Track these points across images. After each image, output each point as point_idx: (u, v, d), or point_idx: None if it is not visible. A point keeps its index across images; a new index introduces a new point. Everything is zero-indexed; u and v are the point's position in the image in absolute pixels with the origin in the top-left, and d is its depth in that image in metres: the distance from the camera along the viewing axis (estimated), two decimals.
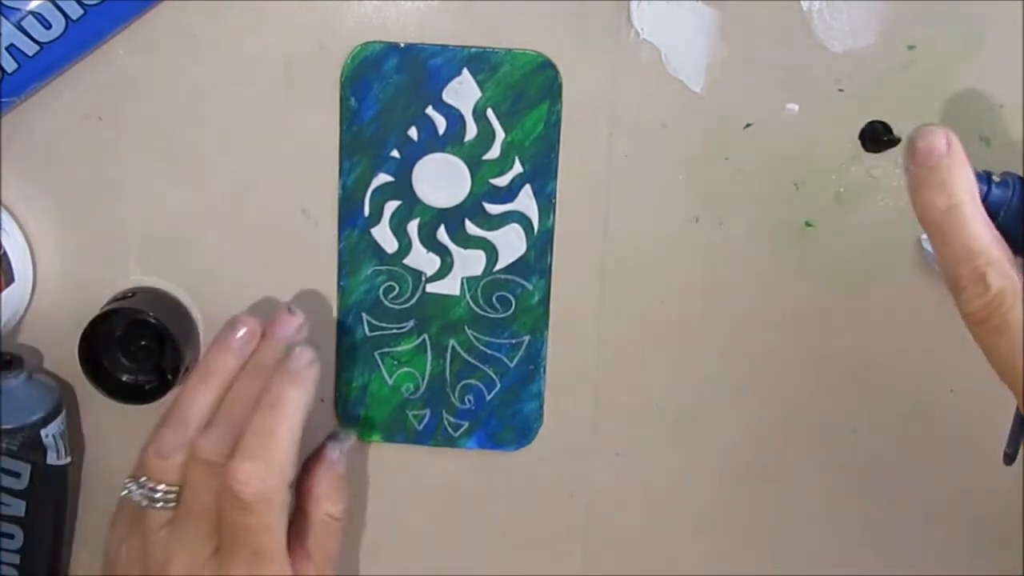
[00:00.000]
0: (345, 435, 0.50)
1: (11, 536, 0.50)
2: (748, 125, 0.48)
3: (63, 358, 0.51)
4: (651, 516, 0.54)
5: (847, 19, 0.46)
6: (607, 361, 0.51)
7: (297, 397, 0.44)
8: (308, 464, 0.49)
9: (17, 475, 0.49)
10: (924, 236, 0.48)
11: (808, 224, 0.49)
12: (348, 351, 0.51)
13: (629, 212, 0.49)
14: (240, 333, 0.47)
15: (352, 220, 0.49)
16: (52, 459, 0.50)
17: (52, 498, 0.51)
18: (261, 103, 0.48)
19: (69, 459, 0.51)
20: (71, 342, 0.48)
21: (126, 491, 0.46)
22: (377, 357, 0.51)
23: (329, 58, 0.47)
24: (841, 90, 0.47)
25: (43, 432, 0.49)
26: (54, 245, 0.50)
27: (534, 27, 0.47)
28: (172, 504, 0.45)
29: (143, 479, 0.45)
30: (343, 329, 0.51)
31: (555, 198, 0.49)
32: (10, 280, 0.49)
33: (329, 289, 0.50)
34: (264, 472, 0.43)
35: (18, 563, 0.51)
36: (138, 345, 0.50)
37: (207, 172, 0.49)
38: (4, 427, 0.48)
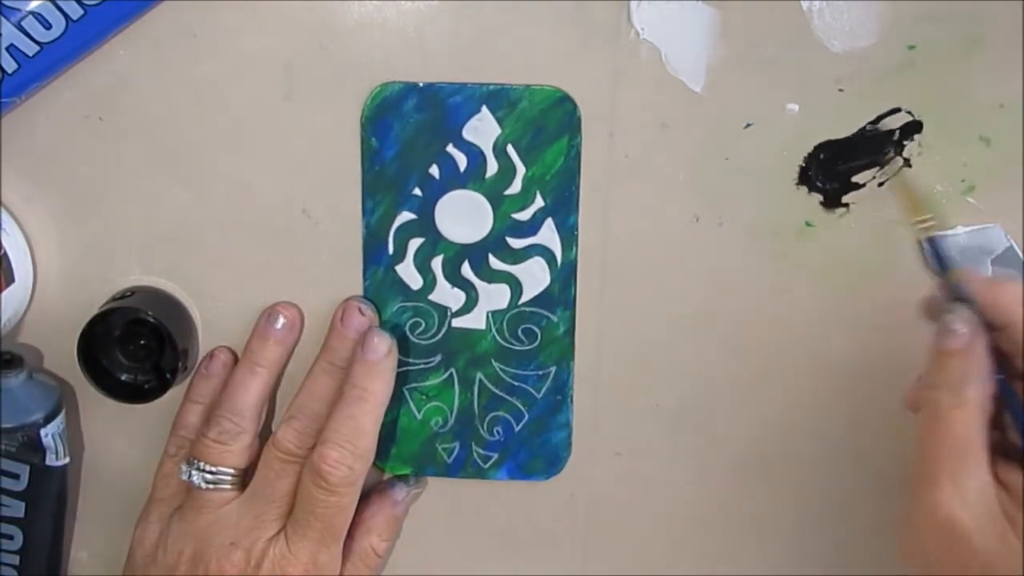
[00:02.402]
0: (416, 482, 0.53)
1: (11, 537, 0.50)
2: (748, 125, 0.48)
3: (63, 358, 0.51)
4: (651, 516, 0.54)
5: (847, 19, 0.46)
6: (607, 361, 0.51)
7: (379, 389, 0.47)
8: (370, 496, 0.52)
9: (16, 476, 0.49)
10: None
11: (808, 224, 0.49)
12: None
13: (629, 212, 0.49)
14: (280, 323, 0.50)
15: (376, 258, 0.50)
16: (51, 460, 0.50)
17: (51, 499, 0.51)
18: (261, 103, 0.48)
19: (68, 459, 0.51)
20: (71, 342, 0.48)
21: (183, 475, 0.49)
22: (405, 392, 0.52)
23: (329, 58, 0.47)
24: (841, 90, 0.47)
25: (43, 432, 0.49)
26: (54, 245, 0.50)
27: (534, 27, 0.47)
28: (228, 486, 0.49)
29: (201, 463, 0.48)
30: None
31: (577, 230, 0.49)
32: (10, 280, 0.49)
33: (328, 289, 0.50)
34: (352, 459, 0.46)
35: (17, 564, 0.51)
36: (137, 344, 0.50)
37: (207, 172, 0.49)
38: (4, 426, 0.48)
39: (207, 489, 0.48)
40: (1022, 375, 0.42)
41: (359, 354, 0.48)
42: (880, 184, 0.48)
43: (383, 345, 0.48)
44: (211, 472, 0.48)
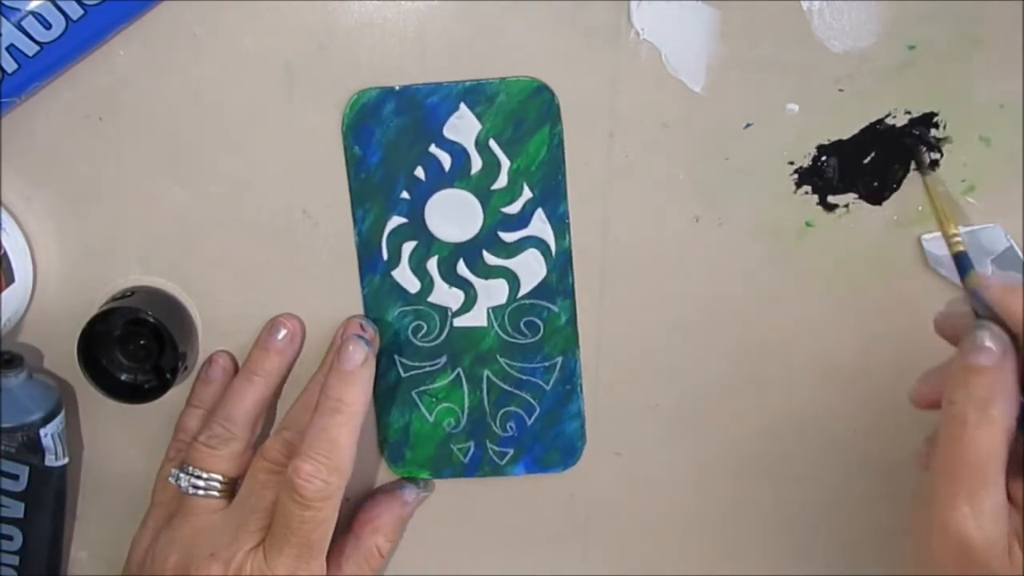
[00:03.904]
0: (426, 484, 0.53)
1: (10, 538, 0.50)
2: (748, 125, 0.48)
3: (63, 358, 0.51)
4: (651, 516, 0.54)
5: (847, 19, 0.46)
6: (607, 361, 0.51)
7: (355, 399, 0.46)
8: (378, 495, 0.52)
9: (16, 477, 0.49)
10: (925, 236, 0.48)
11: (808, 224, 0.49)
12: (386, 394, 0.52)
13: (629, 212, 0.49)
14: (281, 335, 0.50)
15: (372, 265, 0.50)
16: (50, 460, 0.50)
17: (51, 499, 0.51)
18: (261, 103, 0.48)
19: (67, 460, 0.51)
20: (71, 342, 0.48)
21: (172, 478, 0.49)
22: (415, 396, 0.52)
23: (329, 58, 0.47)
24: (841, 90, 0.47)
25: (42, 432, 0.49)
26: (54, 245, 0.50)
27: (534, 27, 0.47)
28: (217, 493, 0.48)
29: (190, 467, 0.48)
30: (378, 373, 0.51)
31: (568, 218, 0.49)
32: (10, 280, 0.49)
33: (328, 290, 0.50)
34: (326, 473, 0.45)
35: (17, 564, 0.51)
36: (137, 344, 0.50)
37: (207, 172, 0.49)
38: (4, 426, 0.48)
39: (194, 495, 0.48)
40: None
41: (334, 363, 0.47)
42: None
43: (358, 354, 0.47)
44: (199, 477, 0.48)
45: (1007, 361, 0.40)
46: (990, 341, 0.40)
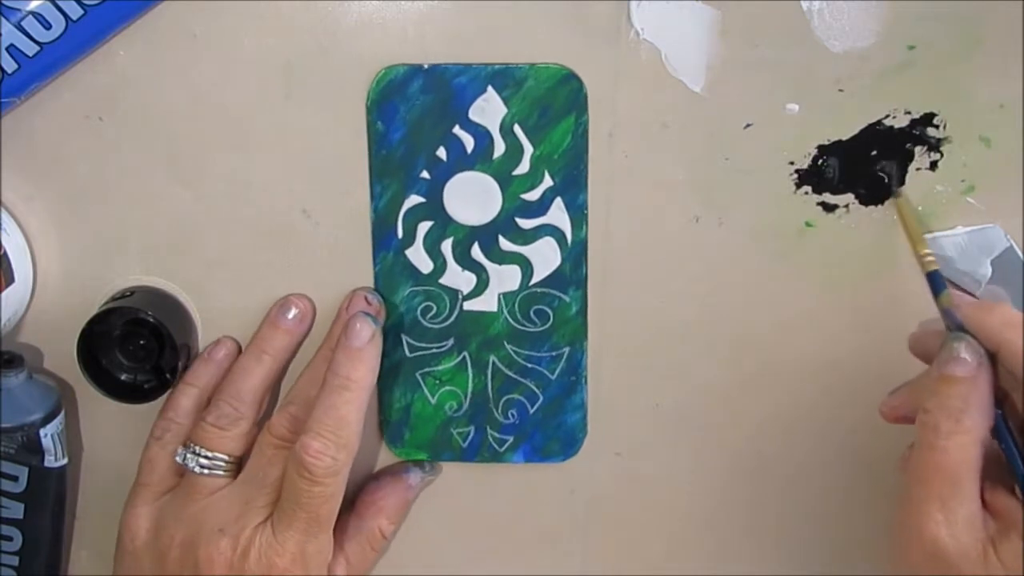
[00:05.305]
0: (431, 468, 0.53)
1: (10, 538, 0.50)
2: (748, 125, 0.48)
3: (63, 358, 0.51)
4: (651, 516, 0.54)
5: (847, 19, 0.46)
6: (607, 361, 0.51)
7: (362, 376, 0.46)
8: (382, 477, 0.52)
9: (15, 478, 0.49)
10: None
11: (808, 224, 0.49)
12: (389, 372, 0.51)
13: (629, 212, 0.49)
14: (291, 314, 0.50)
15: (386, 243, 0.50)
16: (50, 461, 0.50)
17: (50, 500, 0.51)
18: (261, 103, 0.48)
19: (66, 460, 0.51)
20: (71, 342, 0.48)
21: (179, 458, 0.49)
22: (419, 377, 0.51)
23: (328, 58, 0.47)
24: (841, 90, 0.47)
25: (42, 432, 0.49)
26: (54, 245, 0.50)
27: (534, 26, 0.47)
28: (222, 472, 0.49)
29: (197, 447, 0.48)
30: (383, 351, 0.50)
31: (587, 209, 0.49)
32: (10, 280, 0.49)
33: (329, 289, 0.50)
34: (334, 450, 0.45)
35: (17, 565, 0.51)
36: (137, 344, 0.50)
37: (207, 172, 0.49)
38: (4, 426, 0.48)
39: (201, 474, 0.48)
40: (1018, 408, 0.42)
41: (342, 340, 0.47)
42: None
43: (366, 331, 0.47)
44: (207, 457, 0.48)
45: (982, 373, 0.41)
46: (966, 352, 0.41)
